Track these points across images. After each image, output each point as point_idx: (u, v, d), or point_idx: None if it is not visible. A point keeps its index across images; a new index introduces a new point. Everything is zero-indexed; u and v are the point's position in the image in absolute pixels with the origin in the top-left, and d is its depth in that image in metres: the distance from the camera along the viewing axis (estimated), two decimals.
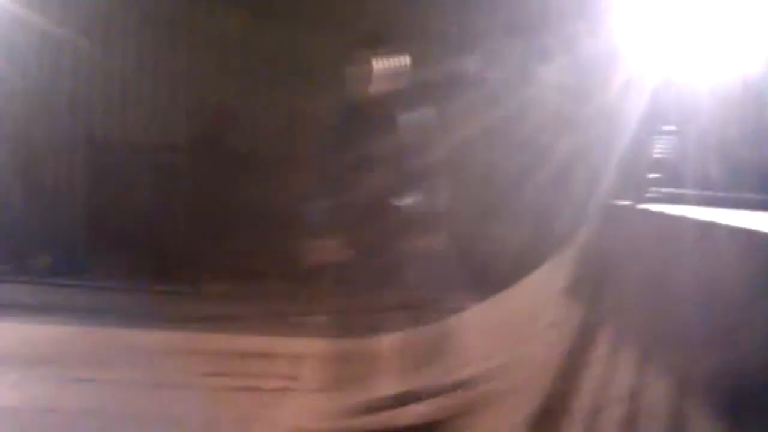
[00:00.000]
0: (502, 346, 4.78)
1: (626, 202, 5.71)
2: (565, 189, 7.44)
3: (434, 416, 4.22)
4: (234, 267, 8.16)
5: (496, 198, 8.05)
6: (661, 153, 7.53)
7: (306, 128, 8.39)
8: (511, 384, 4.07)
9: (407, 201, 8.15)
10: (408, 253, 7.90)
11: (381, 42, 8.29)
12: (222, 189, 8.44)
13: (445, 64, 8.27)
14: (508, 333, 5.13)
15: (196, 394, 4.54)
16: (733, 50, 5.88)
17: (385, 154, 8.07)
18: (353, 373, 5.04)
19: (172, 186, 8.58)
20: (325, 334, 6.15)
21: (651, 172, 7.30)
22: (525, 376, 4.06)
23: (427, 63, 8.24)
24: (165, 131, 8.56)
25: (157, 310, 7.09)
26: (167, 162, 8.55)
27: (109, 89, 8.59)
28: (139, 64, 8.60)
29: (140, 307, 7.18)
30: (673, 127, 7.33)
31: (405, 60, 6.19)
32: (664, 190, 6.95)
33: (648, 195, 6.73)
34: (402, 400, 4.44)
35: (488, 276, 6.95)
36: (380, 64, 8.29)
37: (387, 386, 4.69)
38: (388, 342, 5.68)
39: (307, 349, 5.62)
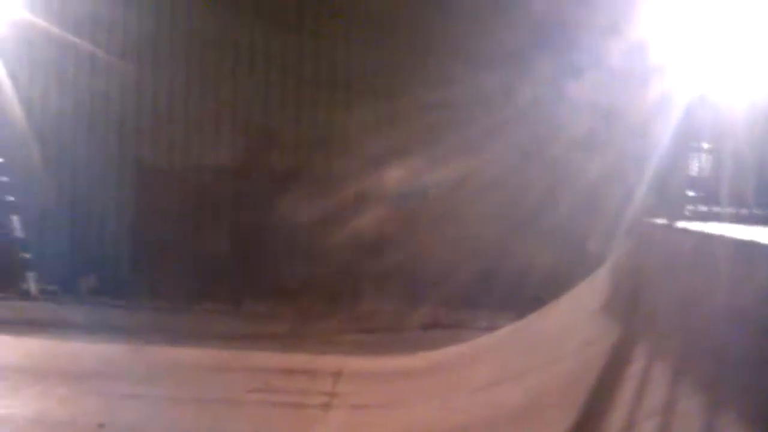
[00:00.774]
0: (538, 363, 4.83)
1: (662, 221, 5.72)
2: (599, 207, 7.46)
3: None
4: (275, 286, 8.32)
5: (530, 217, 8.09)
6: (696, 171, 7.53)
7: (349, 147, 8.59)
8: (546, 400, 4.13)
9: (441, 221, 8.34)
10: (445, 273, 8.04)
11: (418, 59, 8.56)
12: (264, 209, 8.62)
13: (479, 80, 8.39)
14: (544, 351, 5.17)
15: (241, 410, 4.65)
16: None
17: (419, 172, 8.27)
18: (392, 391, 5.14)
19: (215, 206, 8.78)
20: (364, 352, 6.29)
21: (687, 190, 7.31)
22: (560, 392, 4.12)
23: (461, 79, 8.42)
24: (210, 153, 8.77)
25: (200, 328, 7.30)
26: (212, 183, 8.75)
27: (156, 112, 8.85)
28: (186, 87, 8.85)
29: (185, 326, 7.39)
30: (708, 145, 7.34)
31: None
32: (700, 208, 6.96)
33: (687, 212, 6.74)
34: None
35: (523, 294, 7.01)
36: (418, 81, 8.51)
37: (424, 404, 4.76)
38: (425, 360, 5.78)
39: (347, 366, 5.73)
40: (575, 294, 5.88)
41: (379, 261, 8.18)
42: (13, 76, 8.62)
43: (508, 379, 4.76)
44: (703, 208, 6.88)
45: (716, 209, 6.72)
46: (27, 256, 8.49)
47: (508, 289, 7.45)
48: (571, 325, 5.28)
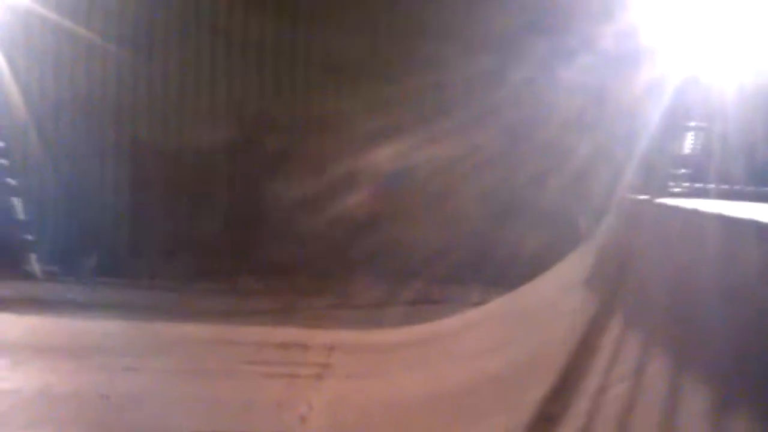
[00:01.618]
0: (522, 334, 5.03)
1: (644, 197, 5.89)
2: (588, 185, 7.63)
3: None
4: (270, 264, 8.51)
5: (521, 196, 8.27)
6: (687, 149, 7.69)
7: (342, 128, 8.75)
8: (526, 368, 4.33)
9: (433, 199, 8.51)
10: (436, 250, 8.24)
11: (410, 42, 8.68)
12: (259, 189, 8.78)
13: (471, 63, 8.54)
14: (527, 322, 5.38)
15: (236, 381, 4.86)
16: (758, 49, 6.04)
17: (411, 153, 8.43)
18: (383, 362, 5.34)
19: (211, 187, 8.94)
20: (356, 327, 6.49)
21: (676, 168, 7.47)
22: (540, 360, 4.32)
23: (452, 62, 8.56)
24: (206, 134, 8.90)
25: (197, 305, 7.49)
26: (207, 164, 8.90)
27: (152, 95, 8.98)
28: (181, 71, 8.97)
29: (183, 303, 7.58)
30: (699, 124, 7.48)
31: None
32: (689, 184, 7.13)
33: (672, 190, 6.91)
34: None
35: (512, 270, 7.19)
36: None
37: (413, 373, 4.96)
38: (414, 333, 5.98)
39: (338, 340, 5.92)
40: (560, 269, 6.07)
41: (371, 239, 8.38)
42: (12, 62, 8.74)
43: (492, 349, 4.97)
44: (693, 185, 7.07)
45: (706, 186, 6.91)
46: (29, 237, 8.66)
47: (499, 266, 7.62)
48: (555, 298, 5.48)
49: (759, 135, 6.15)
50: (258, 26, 8.99)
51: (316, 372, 5.04)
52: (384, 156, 8.43)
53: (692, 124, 7.39)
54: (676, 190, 6.86)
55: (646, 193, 6.09)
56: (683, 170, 7.26)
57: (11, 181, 8.71)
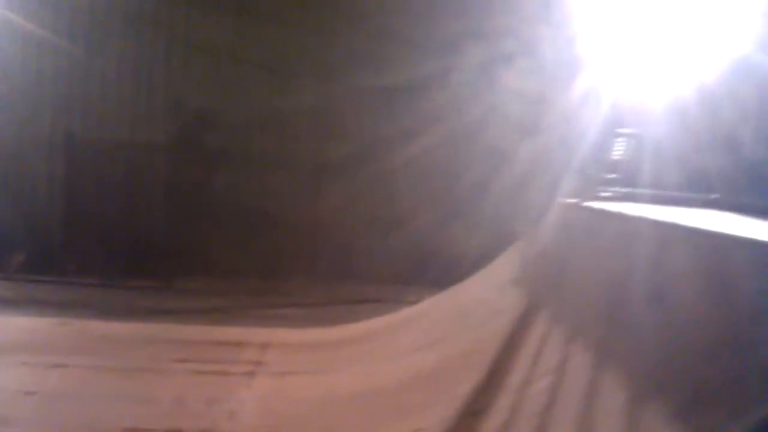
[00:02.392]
0: (453, 331, 5.12)
1: (574, 200, 6.07)
2: (527, 188, 7.79)
3: None
4: (208, 263, 8.41)
5: (461, 199, 8.39)
6: (618, 155, 7.95)
7: (281, 126, 8.72)
8: (457, 364, 4.42)
9: (374, 201, 8.57)
10: (375, 251, 8.30)
11: (353, 43, 8.72)
12: (198, 187, 8.68)
13: (412, 65, 8.62)
14: (459, 320, 5.47)
15: (167, 378, 4.79)
16: (687, 59, 6.28)
17: (351, 155, 8.48)
18: (316, 359, 5.36)
19: (148, 184, 8.79)
20: (293, 325, 6.49)
21: (607, 173, 7.72)
22: (470, 356, 4.41)
23: (395, 64, 8.63)
24: (143, 130, 8.75)
25: (131, 303, 7.34)
26: (145, 160, 8.75)
27: (90, 89, 8.77)
28: (120, 65, 8.80)
29: (115, 301, 7.42)
30: (630, 130, 7.74)
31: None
32: (619, 189, 7.37)
33: (602, 194, 7.13)
34: None
35: (453, 270, 7.28)
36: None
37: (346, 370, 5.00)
38: (350, 331, 6.02)
39: (274, 338, 5.91)
40: (493, 269, 6.20)
41: (312, 238, 8.39)
42: None
43: (424, 346, 5.04)
44: (623, 190, 7.31)
45: (635, 190, 7.15)
46: None
47: (439, 267, 7.70)
48: (485, 297, 5.59)
49: (690, 142, 6.41)
50: (200, 23, 8.90)
51: (249, 369, 5.03)
52: (326, 156, 8.46)
53: (624, 130, 7.65)
54: (605, 194, 7.10)
55: (577, 197, 6.28)
56: (613, 175, 7.51)
57: None
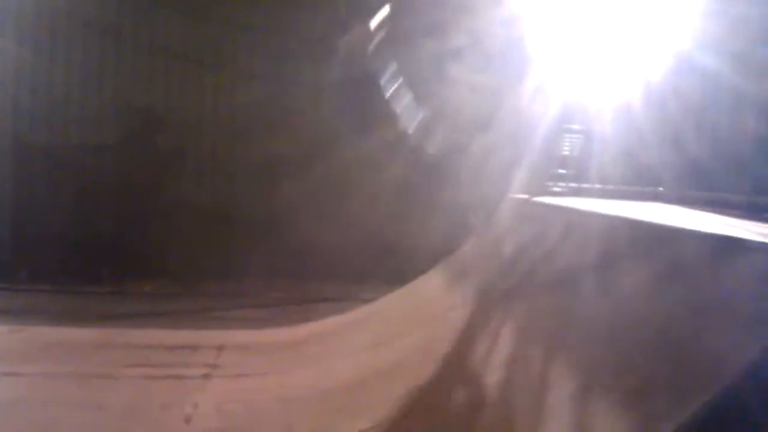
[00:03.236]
0: (408, 328, 5.17)
1: (525, 196, 6.19)
2: (481, 186, 7.89)
3: None
4: (161, 265, 8.32)
5: (416, 196, 8.45)
6: (567, 150, 8.13)
7: (232, 125, 8.67)
8: (412, 360, 4.46)
9: (328, 198, 8.57)
10: (333, 249, 8.30)
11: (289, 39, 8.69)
12: (149, 188, 8.57)
13: (363, 62, 8.65)
14: (413, 317, 5.53)
15: (120, 384, 4.73)
16: (633, 57, 6.44)
17: (304, 152, 8.47)
18: (273, 360, 5.35)
19: (99, 186, 8.63)
20: (249, 326, 6.46)
21: (557, 168, 7.88)
22: (425, 352, 4.46)
23: (343, 62, 8.64)
24: (92, 132, 8.60)
25: (83, 309, 7.22)
26: (94, 162, 8.59)
27: (36, 91, 8.59)
28: (66, 67, 8.63)
29: (66, 307, 7.28)
30: (578, 126, 7.92)
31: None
32: (569, 184, 7.54)
33: (552, 189, 7.28)
34: None
35: (409, 267, 7.33)
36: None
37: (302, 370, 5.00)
38: (306, 330, 6.03)
39: (230, 340, 5.88)
40: (444, 265, 6.27)
41: (268, 238, 8.35)
42: None
43: (380, 343, 5.08)
44: (572, 184, 7.48)
45: (583, 185, 7.33)
46: None
47: (395, 265, 7.74)
48: (440, 294, 5.66)
49: (636, 137, 6.57)
50: (147, 23, 8.78)
51: (204, 372, 5.00)
52: (278, 155, 8.42)
53: (572, 126, 7.81)
54: (556, 189, 7.25)
55: (528, 192, 6.40)
56: (562, 170, 7.68)
57: None
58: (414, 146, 8.59)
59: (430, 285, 6.04)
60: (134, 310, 7.35)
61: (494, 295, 4.61)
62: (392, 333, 5.21)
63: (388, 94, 8.67)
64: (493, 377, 3.66)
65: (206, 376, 4.92)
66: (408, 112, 8.68)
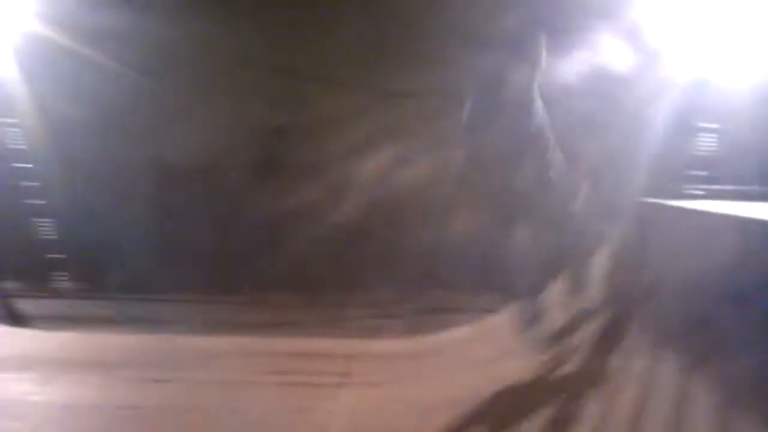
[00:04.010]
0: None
1: (655, 200, 5.92)
2: (600, 189, 7.61)
3: None
4: (296, 277, 8.57)
5: (527, 202, 8.24)
6: (702, 151, 7.66)
7: (365, 143, 8.79)
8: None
9: (440, 207, 8.52)
10: (452, 258, 8.27)
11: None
12: (282, 203, 8.86)
13: (468, 64, 8.51)
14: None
15: (258, 390, 4.97)
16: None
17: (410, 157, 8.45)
18: (401, 369, 5.43)
19: (236, 203, 9.03)
20: (373, 336, 6.58)
21: (690, 170, 7.45)
22: (555, 363, 4.40)
23: (450, 63, 8.55)
24: (228, 151, 9.00)
25: (224, 318, 7.58)
26: (230, 180, 9.01)
27: (173, 117, 9.10)
28: (197, 92, 9.09)
29: (209, 317, 7.65)
30: (712, 125, 7.47)
31: None
32: (705, 186, 7.10)
33: (687, 192, 6.91)
34: None
35: (523, 279, 7.19)
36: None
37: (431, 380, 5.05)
38: (430, 341, 6.07)
39: (360, 349, 6.02)
40: (568, 275, 6.12)
41: (382, 251, 8.41)
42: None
43: (505, 356, 5.04)
44: (709, 187, 7.05)
45: (721, 187, 6.91)
46: (60, 256, 8.85)
47: (508, 275, 7.60)
48: (565, 305, 5.54)
49: None
50: (265, 42, 9.10)
51: (337, 381, 5.15)
52: (379, 164, 8.44)
53: (703, 125, 7.39)
54: (694, 192, 6.87)
55: (658, 196, 6.10)
56: (698, 172, 7.24)
57: (40, 201, 8.89)
58: (529, 149, 8.36)
59: (554, 296, 5.94)
60: (269, 319, 7.63)
61: (628, 307, 4.47)
62: (517, 346, 5.16)
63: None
64: (630, 392, 3.56)
65: (340, 385, 5.06)
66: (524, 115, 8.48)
